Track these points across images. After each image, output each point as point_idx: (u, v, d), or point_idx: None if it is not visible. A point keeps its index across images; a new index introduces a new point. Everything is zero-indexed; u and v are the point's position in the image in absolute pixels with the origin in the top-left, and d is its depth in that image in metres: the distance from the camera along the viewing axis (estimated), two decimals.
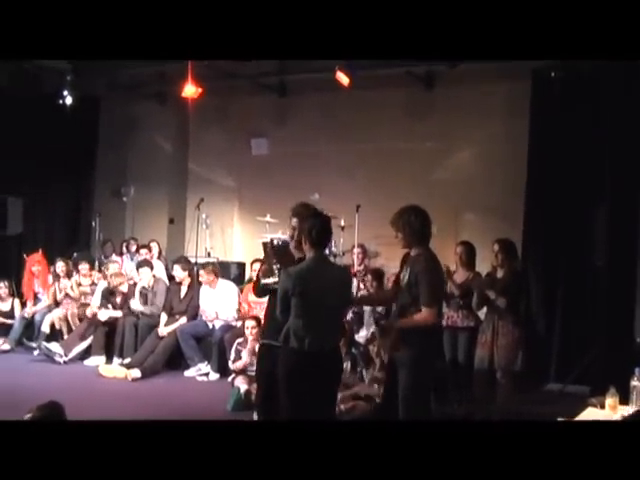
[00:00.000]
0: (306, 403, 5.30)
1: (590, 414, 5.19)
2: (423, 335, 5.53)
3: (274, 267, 5.79)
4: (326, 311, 5.34)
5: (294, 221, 5.85)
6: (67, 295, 11.80)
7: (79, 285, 11.83)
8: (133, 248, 13.39)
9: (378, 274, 9.32)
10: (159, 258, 12.84)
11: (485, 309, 7.73)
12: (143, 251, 12.58)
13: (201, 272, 10.68)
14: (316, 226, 5.38)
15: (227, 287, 10.66)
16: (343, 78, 10.89)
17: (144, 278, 11.02)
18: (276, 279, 5.70)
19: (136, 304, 10.86)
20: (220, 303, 10.37)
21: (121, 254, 13.50)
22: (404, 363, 5.56)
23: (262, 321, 6.56)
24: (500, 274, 7.62)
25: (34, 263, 12.27)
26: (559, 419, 4.81)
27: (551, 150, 10.04)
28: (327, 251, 11.32)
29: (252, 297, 9.60)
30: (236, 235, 14.35)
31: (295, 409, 5.28)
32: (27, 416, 4.15)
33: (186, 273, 10.80)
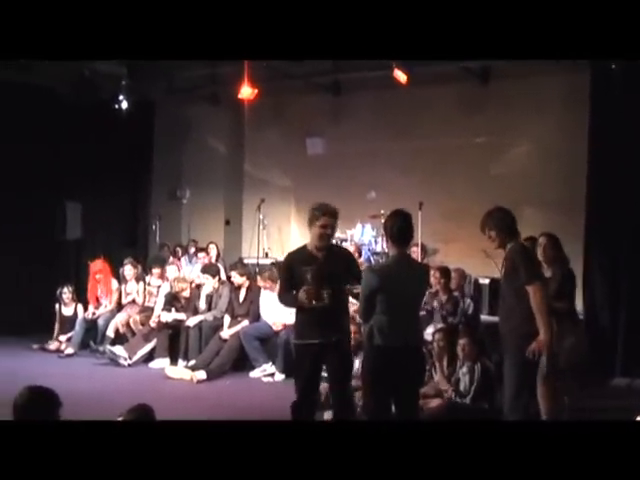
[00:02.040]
0: (389, 400, 5.54)
1: None
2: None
3: (324, 293, 5.83)
4: (409, 307, 5.55)
5: (323, 220, 5.96)
6: (133, 300, 12.14)
7: (148, 285, 12.17)
8: (192, 250, 13.65)
9: (445, 272, 9.44)
10: (217, 260, 13.03)
11: None
12: (201, 254, 12.82)
13: (259, 278, 10.89)
14: (398, 223, 5.57)
15: None
16: (401, 76, 11.05)
17: (210, 283, 11.20)
18: (325, 302, 5.82)
19: (203, 306, 11.12)
20: (281, 307, 10.30)
21: (178, 257, 13.70)
22: (512, 365, 5.83)
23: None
24: (549, 273, 7.28)
25: (97, 270, 12.47)
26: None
27: (612, 143, 10.05)
28: (380, 249, 11.57)
29: None
30: (293, 235, 14.53)
31: (379, 406, 5.47)
32: (119, 419, 4.30)
33: (244, 277, 10.96)
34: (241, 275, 10.94)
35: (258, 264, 12.12)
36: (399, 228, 5.53)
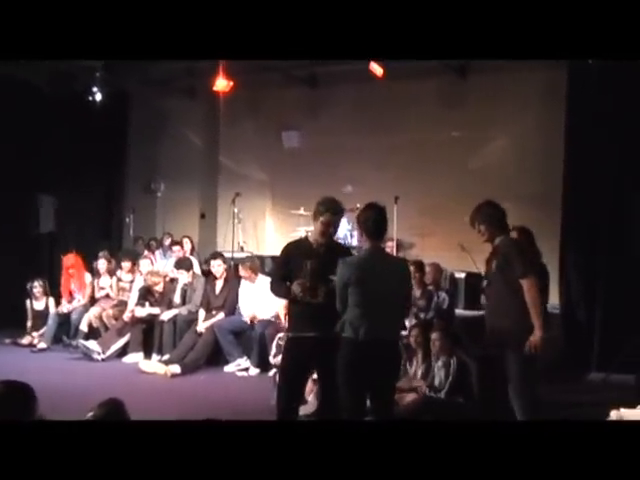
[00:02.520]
0: (364, 394, 5.54)
1: None
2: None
3: (320, 290, 5.74)
4: (382, 301, 5.50)
5: (326, 217, 5.90)
6: (107, 295, 12.10)
7: (119, 280, 12.12)
8: (166, 243, 13.61)
9: (419, 266, 9.43)
10: (192, 254, 12.95)
11: None
12: (176, 248, 12.77)
13: (240, 267, 10.82)
14: (372, 217, 5.57)
15: (264, 283, 10.52)
16: (377, 69, 11.08)
17: (184, 276, 11.17)
18: (320, 300, 5.74)
19: (177, 300, 11.10)
20: (260, 299, 10.40)
21: (152, 251, 13.63)
22: (517, 360, 5.87)
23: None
24: None
25: (70, 264, 12.38)
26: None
27: (589, 138, 10.11)
28: (355, 243, 11.58)
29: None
30: (269, 229, 14.55)
31: (354, 400, 5.45)
32: (89, 415, 4.19)
33: (223, 268, 10.92)
34: (223, 264, 10.92)
35: (233, 258, 12.08)
36: (373, 221, 5.53)
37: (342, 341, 5.50)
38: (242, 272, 10.67)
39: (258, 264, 10.97)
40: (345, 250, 6.49)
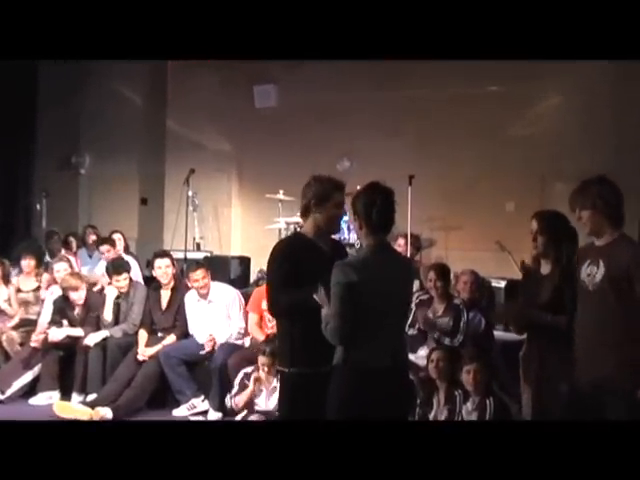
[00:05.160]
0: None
1: None
2: None
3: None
4: (394, 316, 5.52)
5: (338, 198, 5.93)
6: (2, 311, 11.74)
7: (18, 291, 11.83)
8: (91, 241, 13.54)
9: (442, 271, 9.36)
10: (127, 253, 12.86)
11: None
12: (104, 247, 12.59)
13: (197, 273, 10.46)
14: (375, 202, 5.48)
15: (224, 294, 10.66)
16: None
17: (119, 286, 10.98)
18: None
19: (108, 317, 10.93)
20: (216, 318, 10.37)
21: (71, 250, 13.61)
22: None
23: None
24: (546, 269, 6.84)
25: None
26: None
27: None
28: (355, 240, 11.54)
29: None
30: (235, 219, 14.57)
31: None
32: None
33: (172, 273, 10.85)
34: (169, 267, 10.79)
35: (186, 259, 12.05)
36: (379, 210, 5.46)
37: (341, 372, 5.41)
38: (192, 279, 10.48)
39: (208, 269, 10.67)
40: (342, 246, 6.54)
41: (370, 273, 5.42)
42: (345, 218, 11.78)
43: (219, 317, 10.39)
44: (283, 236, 11.60)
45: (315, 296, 5.49)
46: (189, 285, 10.63)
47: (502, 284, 10.79)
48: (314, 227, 6.07)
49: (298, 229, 10.77)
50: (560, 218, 6.78)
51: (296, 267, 5.90)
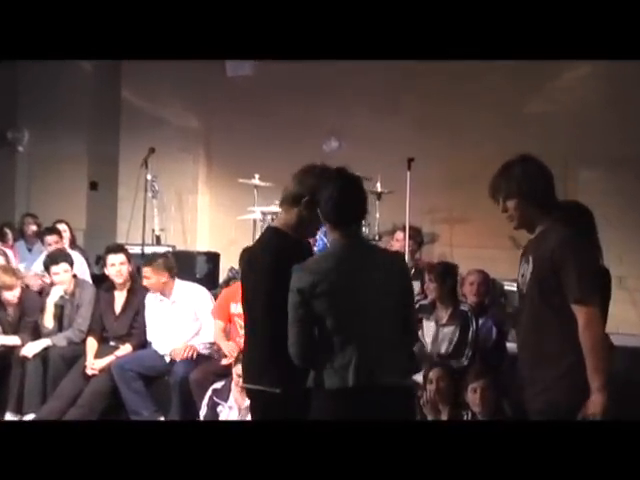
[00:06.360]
0: None
1: None
2: None
3: None
4: (371, 321, 5.35)
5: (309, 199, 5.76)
6: None
7: None
8: (30, 232, 13.57)
9: (447, 270, 9.26)
10: (73, 248, 12.81)
11: None
12: (52, 238, 12.48)
13: (145, 271, 10.42)
14: (334, 193, 5.41)
15: (191, 295, 10.55)
16: None
17: (60, 281, 10.84)
18: None
19: (49, 323, 10.76)
20: (179, 322, 10.29)
21: (6, 242, 13.53)
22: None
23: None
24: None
25: None
26: None
27: None
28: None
29: (238, 308, 9.37)
30: (202, 208, 14.52)
31: None
32: None
33: (127, 271, 10.74)
34: (123, 264, 10.67)
35: (144, 255, 11.95)
36: (336, 201, 5.40)
37: (319, 395, 5.34)
38: (148, 279, 10.38)
39: (174, 265, 10.60)
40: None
41: (333, 274, 5.33)
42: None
43: (184, 321, 10.30)
44: (258, 228, 11.56)
45: None
46: (145, 284, 10.48)
47: (515, 287, 10.72)
48: (294, 223, 5.95)
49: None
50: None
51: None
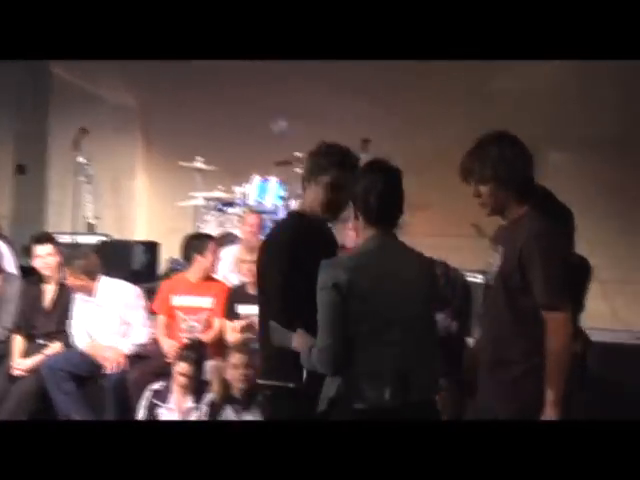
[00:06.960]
0: None
1: None
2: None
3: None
4: (406, 329, 5.22)
5: (333, 173, 5.83)
6: None
7: None
8: None
9: None
10: None
11: None
12: None
13: (67, 271, 10.27)
14: (377, 186, 5.32)
15: (119, 295, 10.38)
16: None
17: None
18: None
19: None
20: (105, 326, 10.19)
21: None
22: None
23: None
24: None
25: None
26: None
27: None
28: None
29: (180, 300, 9.61)
30: (140, 194, 14.46)
31: None
32: None
33: (56, 263, 10.53)
34: (53, 254, 10.54)
35: (75, 244, 11.89)
36: (380, 195, 5.29)
37: (343, 413, 5.15)
38: (71, 278, 10.22)
39: (96, 267, 10.45)
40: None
41: (371, 273, 5.21)
42: (281, 192, 11.82)
43: (111, 324, 10.19)
44: (200, 215, 11.55)
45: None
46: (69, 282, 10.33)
47: (480, 278, 10.70)
48: (303, 204, 6.07)
49: (221, 207, 10.68)
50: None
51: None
